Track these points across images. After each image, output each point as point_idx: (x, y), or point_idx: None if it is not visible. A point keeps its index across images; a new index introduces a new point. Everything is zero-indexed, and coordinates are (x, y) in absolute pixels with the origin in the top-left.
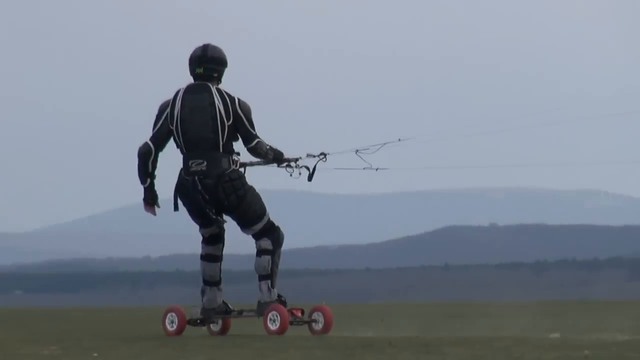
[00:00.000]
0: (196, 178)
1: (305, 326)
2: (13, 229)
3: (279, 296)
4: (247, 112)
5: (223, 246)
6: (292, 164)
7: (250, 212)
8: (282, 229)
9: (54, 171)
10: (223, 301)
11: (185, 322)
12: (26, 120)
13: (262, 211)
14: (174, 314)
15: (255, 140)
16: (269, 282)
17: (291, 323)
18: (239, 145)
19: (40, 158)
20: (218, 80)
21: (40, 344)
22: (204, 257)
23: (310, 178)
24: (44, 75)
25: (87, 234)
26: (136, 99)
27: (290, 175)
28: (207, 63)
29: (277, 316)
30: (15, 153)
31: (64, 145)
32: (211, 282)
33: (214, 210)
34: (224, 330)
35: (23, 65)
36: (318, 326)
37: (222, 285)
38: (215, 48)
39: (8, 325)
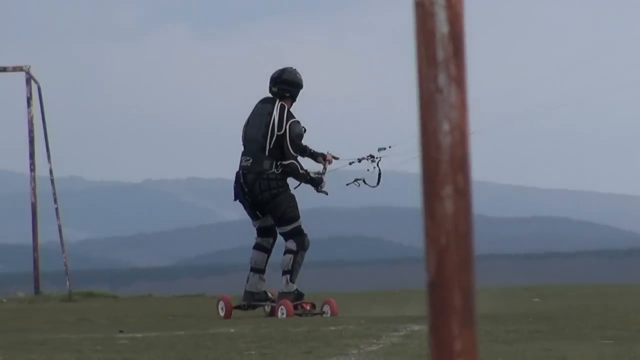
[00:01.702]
0: (241, 172)
1: (318, 317)
2: None
3: (297, 290)
4: (294, 134)
5: (273, 241)
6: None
7: (280, 211)
8: (308, 237)
9: None
10: (264, 290)
11: (232, 308)
12: None
13: (292, 215)
14: (222, 302)
15: (289, 161)
16: (288, 276)
17: (300, 315)
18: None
19: None
20: (291, 99)
21: None
22: (255, 246)
23: (377, 182)
24: None
25: None
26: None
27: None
28: (281, 84)
29: (284, 309)
30: None
31: None
32: (256, 269)
33: (249, 201)
34: (272, 314)
35: None
36: (327, 317)
37: (264, 276)
38: (291, 72)
39: None
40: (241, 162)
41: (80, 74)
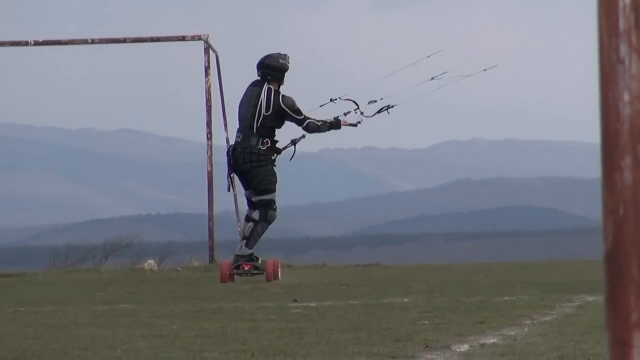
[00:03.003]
0: (233, 146)
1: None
2: None
3: (252, 255)
4: (290, 104)
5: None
6: (355, 121)
7: (256, 182)
8: (276, 212)
9: None
10: (252, 255)
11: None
12: None
13: (267, 187)
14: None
15: (305, 122)
16: (245, 242)
17: (240, 275)
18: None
19: None
20: (277, 81)
21: None
22: (245, 217)
23: (370, 116)
24: None
25: None
26: None
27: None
28: (264, 69)
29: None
30: None
31: None
32: (242, 236)
33: (232, 175)
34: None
35: None
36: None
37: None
38: (273, 57)
39: None
40: (235, 137)
41: (258, 41)
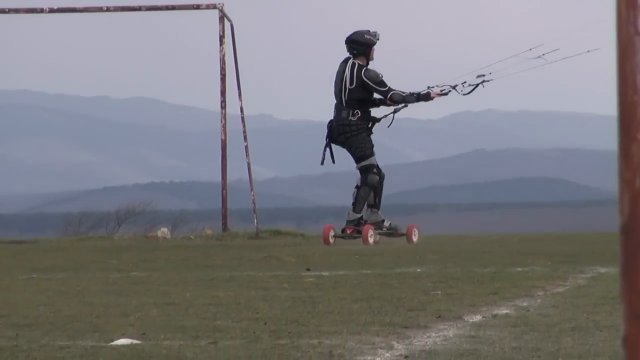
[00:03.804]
0: (330, 121)
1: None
2: None
3: (360, 218)
4: (372, 77)
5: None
6: (448, 89)
7: (352, 151)
8: (378, 175)
9: None
10: (361, 218)
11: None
12: None
13: (362, 154)
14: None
15: (389, 94)
16: (352, 207)
17: (343, 238)
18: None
19: None
20: (363, 56)
21: None
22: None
23: (467, 93)
24: None
25: None
26: None
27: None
28: (350, 44)
29: (332, 231)
30: None
31: None
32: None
33: (327, 149)
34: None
35: None
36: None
37: (374, 209)
38: (359, 33)
39: None
40: (333, 113)
41: (272, 11)
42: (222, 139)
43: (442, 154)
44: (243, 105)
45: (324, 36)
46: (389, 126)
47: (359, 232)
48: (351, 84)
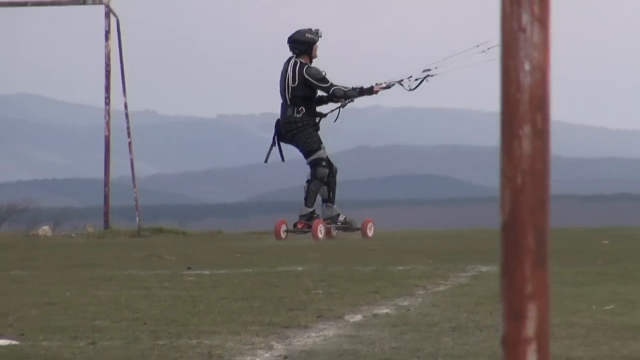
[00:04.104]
0: (277, 120)
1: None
2: None
3: (313, 212)
4: (314, 74)
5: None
6: (394, 83)
7: (300, 147)
8: (330, 168)
9: None
10: (313, 213)
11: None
12: None
13: (310, 149)
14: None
15: (331, 90)
16: (304, 201)
17: (294, 232)
18: None
19: None
20: (304, 53)
21: None
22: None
23: (413, 89)
24: None
25: None
26: None
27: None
28: (291, 43)
29: (286, 226)
30: None
31: None
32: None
33: (272, 148)
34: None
35: None
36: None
37: (329, 203)
38: (300, 32)
39: None
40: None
41: (159, 8)
42: (105, 136)
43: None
44: (127, 102)
45: (207, 33)
46: (335, 121)
47: (310, 226)
48: (294, 82)
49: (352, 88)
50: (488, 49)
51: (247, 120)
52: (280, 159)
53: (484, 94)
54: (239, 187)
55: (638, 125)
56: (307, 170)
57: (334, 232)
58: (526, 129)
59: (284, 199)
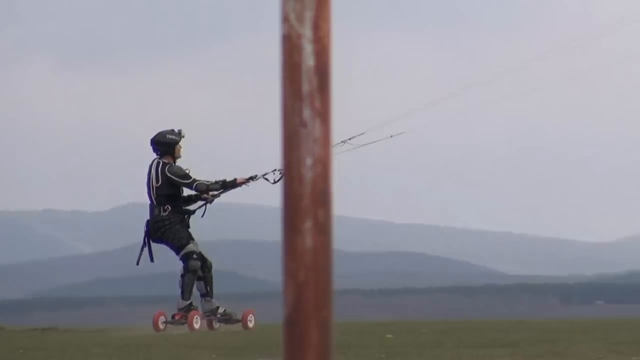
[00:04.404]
0: (147, 221)
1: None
2: None
3: (190, 304)
4: (176, 172)
5: (204, 266)
6: (258, 176)
7: (171, 243)
8: (203, 261)
9: None
10: (190, 305)
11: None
12: None
13: (180, 244)
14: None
15: (194, 185)
16: (181, 295)
17: (173, 324)
18: None
19: None
20: (167, 154)
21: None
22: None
23: (277, 181)
24: None
25: None
26: None
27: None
28: (154, 145)
29: (165, 318)
30: None
31: None
32: (200, 294)
33: (144, 249)
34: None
35: None
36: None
37: (208, 298)
38: (161, 133)
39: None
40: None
41: None
42: None
43: (109, 246)
44: None
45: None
46: (202, 216)
47: (187, 317)
48: (157, 182)
49: (215, 181)
50: (350, 139)
51: (30, 216)
52: (149, 259)
53: (263, 189)
54: (21, 284)
55: (421, 219)
56: (180, 265)
57: (216, 325)
58: (308, 224)
59: (66, 295)
